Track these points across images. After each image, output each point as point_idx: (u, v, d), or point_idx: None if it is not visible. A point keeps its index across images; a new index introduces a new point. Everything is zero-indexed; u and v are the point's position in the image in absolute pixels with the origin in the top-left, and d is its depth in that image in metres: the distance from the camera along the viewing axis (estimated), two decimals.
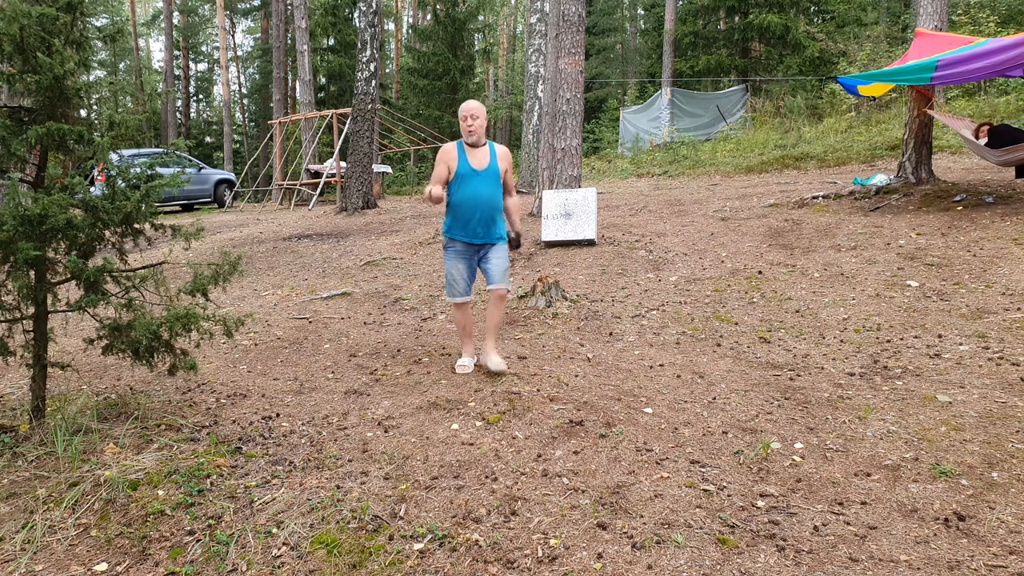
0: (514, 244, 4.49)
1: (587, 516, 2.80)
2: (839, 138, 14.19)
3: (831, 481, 3.04)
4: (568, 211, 8.17)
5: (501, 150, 4.33)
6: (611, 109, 25.51)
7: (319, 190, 16.28)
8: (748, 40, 21.75)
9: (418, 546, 2.64)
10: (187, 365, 3.73)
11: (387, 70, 33.16)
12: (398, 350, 5.12)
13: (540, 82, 13.73)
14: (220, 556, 2.61)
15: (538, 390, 4.15)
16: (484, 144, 4.28)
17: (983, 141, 7.93)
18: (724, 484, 3.04)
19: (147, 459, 3.28)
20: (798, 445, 3.39)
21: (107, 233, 3.59)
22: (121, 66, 39.73)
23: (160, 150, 13.34)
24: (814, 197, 9.13)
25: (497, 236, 4.31)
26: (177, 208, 17.80)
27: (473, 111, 4.16)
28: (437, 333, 5.58)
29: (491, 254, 4.29)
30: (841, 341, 4.85)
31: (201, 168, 17.83)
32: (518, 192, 15.22)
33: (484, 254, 4.31)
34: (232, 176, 19.65)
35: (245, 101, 39.74)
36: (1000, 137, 7.79)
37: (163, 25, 32.26)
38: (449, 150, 4.22)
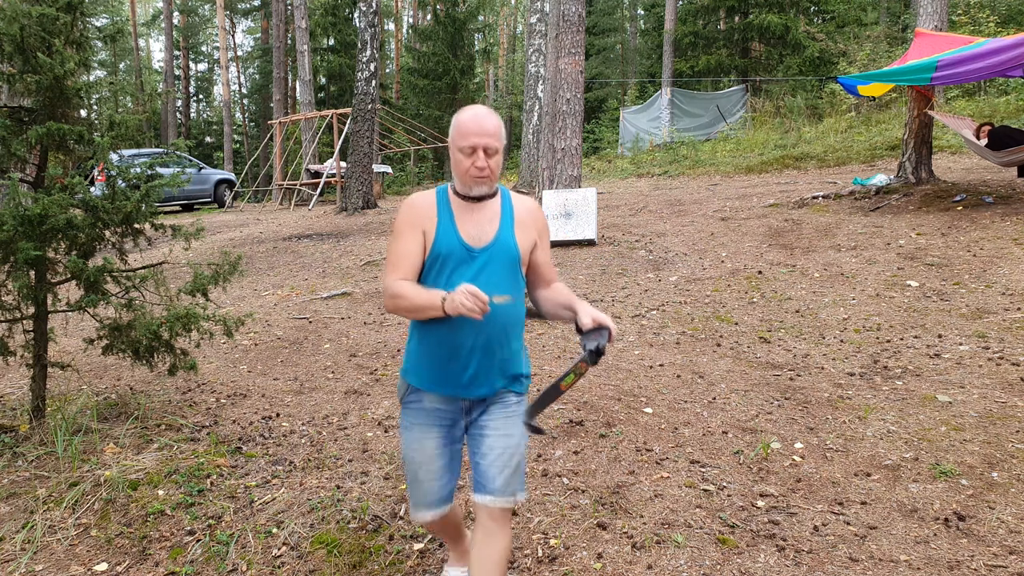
0: (593, 359, 1.92)
1: (587, 516, 2.80)
2: (839, 138, 14.19)
3: (831, 481, 3.04)
4: (568, 211, 8.17)
5: (524, 205, 2.11)
6: (611, 109, 25.51)
7: (319, 190, 16.28)
8: (748, 40, 21.76)
9: (418, 546, 2.65)
10: (187, 365, 3.73)
11: (387, 70, 33.16)
12: (398, 350, 5.12)
13: (540, 82, 13.74)
14: (220, 556, 2.61)
15: (538, 390, 4.15)
16: (494, 194, 2.08)
17: (984, 142, 7.92)
18: (724, 484, 3.04)
19: (147, 459, 3.28)
20: (798, 445, 3.39)
21: (107, 233, 3.59)
22: (121, 66, 39.73)
23: (160, 150, 13.34)
24: (814, 197, 9.13)
25: (510, 382, 2.08)
26: (177, 208, 17.80)
27: (489, 131, 1.92)
28: None
29: (490, 421, 2.05)
30: (841, 341, 4.85)
31: (201, 168, 17.83)
32: (518, 192, 15.10)
33: (477, 419, 2.07)
34: (232, 176, 19.65)
35: (245, 101, 39.74)
36: (1000, 140, 7.79)
37: (163, 25, 32.26)
38: (421, 205, 2.02)
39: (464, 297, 1.77)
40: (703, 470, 3.17)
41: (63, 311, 3.58)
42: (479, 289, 1.80)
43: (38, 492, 2.99)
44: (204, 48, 43.31)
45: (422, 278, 2.02)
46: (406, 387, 2.10)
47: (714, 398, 4.02)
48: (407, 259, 1.99)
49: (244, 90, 40.02)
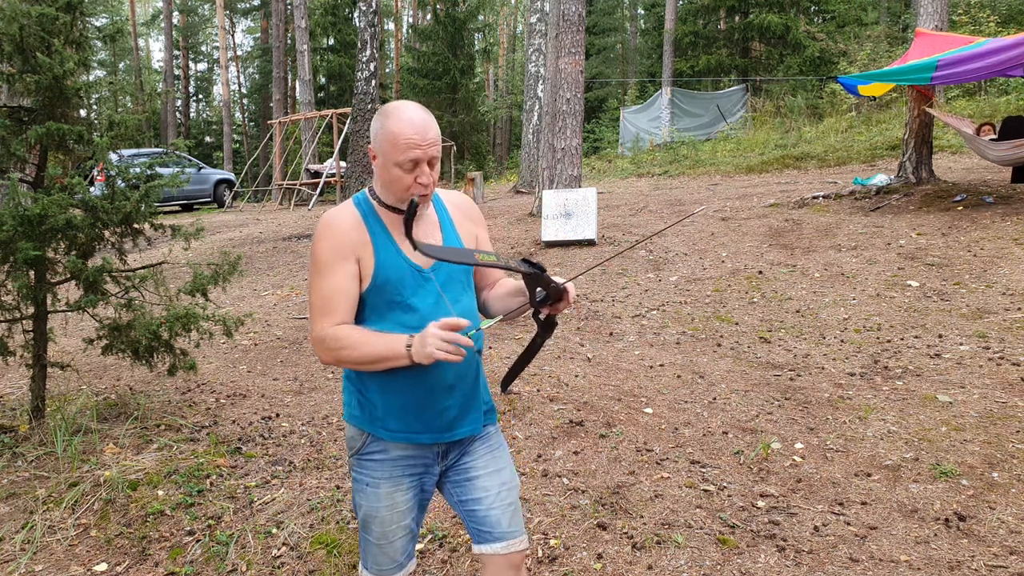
0: (549, 323, 1.70)
1: (587, 516, 2.80)
2: (839, 138, 14.18)
3: (831, 481, 3.03)
4: (568, 211, 8.17)
5: (454, 200, 1.82)
6: (611, 109, 25.50)
7: (319, 190, 16.28)
8: (748, 40, 21.75)
9: (418, 546, 2.64)
10: (187, 365, 3.73)
11: (387, 70, 33.16)
12: None
13: (540, 82, 13.73)
14: (220, 556, 2.61)
15: (538, 390, 4.15)
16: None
17: (988, 138, 7.91)
18: (724, 484, 3.04)
19: (147, 459, 3.28)
20: (798, 445, 3.38)
21: (107, 233, 3.59)
22: (121, 66, 39.72)
23: (160, 150, 13.33)
24: (814, 197, 9.13)
25: (489, 413, 1.83)
26: (177, 208, 17.79)
27: (432, 138, 1.58)
28: None
29: (475, 461, 1.78)
30: (841, 341, 4.84)
31: (201, 168, 17.82)
32: (518, 192, 15.14)
33: (456, 462, 1.79)
34: (232, 176, 19.64)
35: (245, 101, 39.74)
36: (1010, 130, 7.76)
37: (163, 25, 32.26)
38: (346, 227, 1.62)
39: (438, 342, 1.46)
40: (703, 470, 3.17)
41: (63, 311, 3.57)
42: (451, 321, 1.49)
43: (38, 492, 2.98)
44: (204, 48, 43.30)
45: (366, 316, 1.63)
46: (364, 438, 1.70)
47: (714, 398, 4.01)
48: (341, 299, 1.59)
49: (244, 90, 40.02)
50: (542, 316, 1.66)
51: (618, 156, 19.82)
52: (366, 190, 1.71)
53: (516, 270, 1.58)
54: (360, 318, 1.64)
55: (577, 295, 6.36)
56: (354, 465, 1.74)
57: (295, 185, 17.57)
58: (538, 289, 1.61)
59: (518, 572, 1.76)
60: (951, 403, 3.75)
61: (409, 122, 1.55)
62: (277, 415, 3.93)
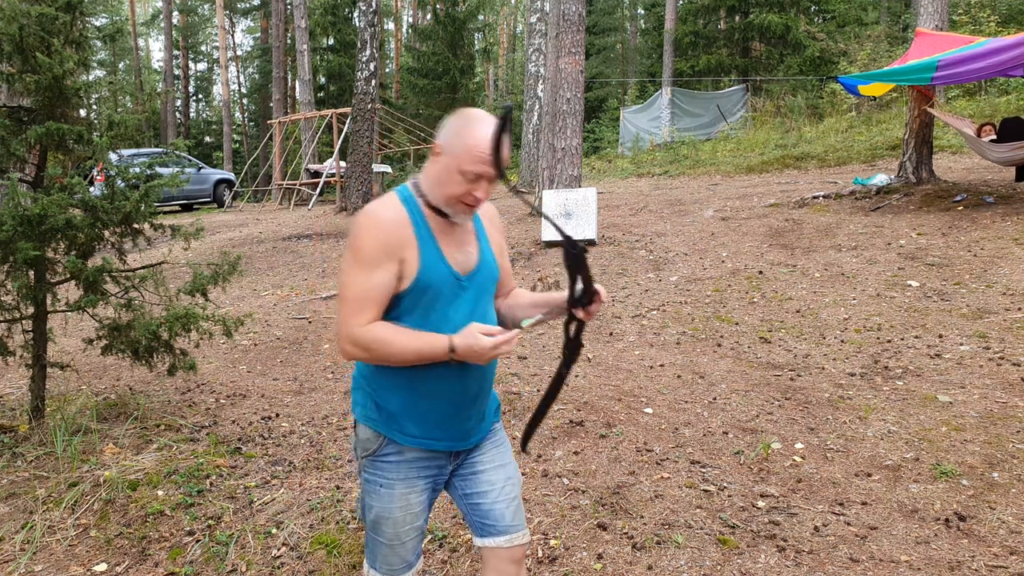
0: (581, 300, 1.65)
1: (587, 516, 2.80)
2: (839, 138, 14.18)
3: (832, 481, 3.03)
4: (568, 211, 8.16)
5: (485, 212, 1.79)
6: (611, 109, 25.50)
7: (319, 190, 16.27)
8: (748, 40, 21.74)
9: None
10: (186, 365, 3.73)
11: (387, 70, 33.16)
12: None
13: (540, 82, 13.73)
14: (220, 556, 2.60)
15: (538, 390, 4.15)
16: None
17: (989, 139, 7.91)
18: (724, 484, 3.03)
19: (147, 459, 3.27)
20: (799, 445, 3.38)
21: (106, 233, 3.58)
22: (121, 66, 39.71)
23: (159, 150, 13.33)
24: (815, 197, 9.12)
25: (494, 416, 1.86)
26: (176, 208, 17.79)
27: (505, 159, 1.55)
28: None
29: (482, 456, 1.80)
30: (842, 341, 4.84)
31: (200, 168, 17.82)
32: (517, 192, 15.07)
33: (465, 459, 1.79)
34: (231, 176, 19.64)
35: (245, 101, 39.73)
36: (1010, 131, 7.76)
37: (163, 25, 32.25)
38: (394, 225, 1.57)
39: (491, 340, 1.49)
40: (703, 470, 3.17)
41: (62, 311, 3.57)
42: (491, 328, 1.53)
43: (37, 492, 2.98)
44: (204, 48, 43.29)
45: (398, 316, 1.58)
46: (380, 441, 1.66)
47: (714, 398, 4.01)
48: (380, 298, 1.54)
49: (244, 90, 40.01)
50: (579, 316, 1.65)
51: (618, 156, 19.82)
52: (410, 185, 1.65)
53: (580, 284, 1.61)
54: (390, 316, 1.59)
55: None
56: (367, 466, 1.70)
57: (295, 185, 17.56)
58: (578, 287, 1.61)
59: (519, 567, 1.76)
60: (951, 403, 3.75)
61: (477, 119, 1.54)
62: (277, 415, 3.92)
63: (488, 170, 1.53)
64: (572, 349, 1.68)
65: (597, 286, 1.61)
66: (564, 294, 1.68)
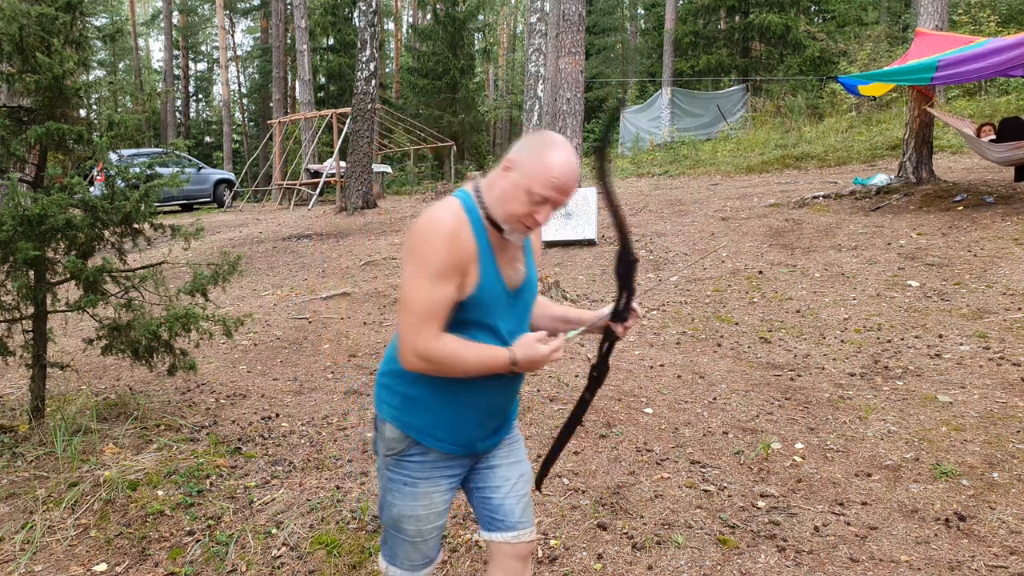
0: (622, 315, 1.72)
1: (587, 516, 2.80)
2: (839, 138, 14.17)
3: (832, 481, 3.03)
4: (568, 211, 8.16)
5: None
6: (611, 109, 25.48)
7: (319, 190, 16.27)
8: (748, 40, 21.74)
9: None
10: (186, 365, 3.72)
11: (387, 70, 33.15)
12: None
13: (540, 82, 13.72)
14: (220, 556, 2.60)
15: (538, 390, 4.15)
16: None
17: (988, 139, 7.91)
18: (724, 484, 3.03)
19: (147, 459, 3.27)
20: (799, 445, 3.38)
21: (106, 233, 3.58)
22: (121, 66, 39.71)
23: (159, 150, 13.33)
24: (815, 197, 9.12)
25: (514, 420, 1.91)
26: (176, 208, 17.79)
27: (571, 185, 1.54)
28: None
29: (497, 451, 1.83)
30: (842, 341, 4.84)
31: (200, 168, 17.81)
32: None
33: (486, 461, 1.82)
34: (231, 176, 19.63)
35: (245, 101, 39.73)
36: (1010, 131, 7.75)
37: (163, 25, 32.24)
38: (464, 239, 1.54)
39: (547, 350, 1.57)
40: (703, 470, 3.17)
41: (62, 311, 3.57)
42: (543, 336, 1.59)
43: (37, 492, 2.98)
44: (204, 48, 43.28)
45: (449, 326, 1.58)
46: (407, 442, 1.67)
47: (714, 398, 4.01)
48: (446, 310, 1.53)
49: (244, 90, 40.00)
50: (617, 332, 1.70)
51: (618, 156, 19.81)
52: (471, 192, 1.61)
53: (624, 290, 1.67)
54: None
55: (577, 295, 6.36)
56: (391, 465, 1.70)
57: (295, 185, 17.56)
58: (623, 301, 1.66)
59: (524, 564, 1.77)
60: (951, 403, 3.75)
61: (570, 167, 1.52)
62: (277, 415, 3.92)
63: (557, 197, 1.52)
64: (601, 372, 1.75)
65: (634, 304, 1.66)
66: (587, 313, 1.74)
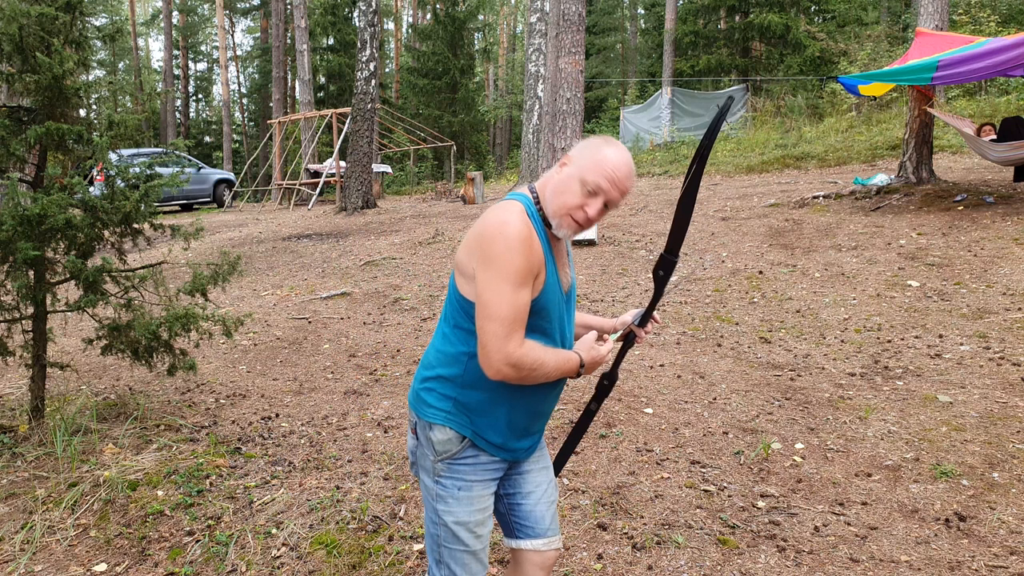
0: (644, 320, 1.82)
1: (587, 516, 2.80)
2: (840, 138, 14.17)
3: (832, 481, 3.03)
4: None
5: None
6: (611, 109, 25.51)
7: (319, 190, 16.27)
8: (749, 40, 21.74)
9: (418, 547, 2.64)
10: (186, 365, 3.72)
11: (387, 70, 33.14)
12: (398, 350, 5.11)
13: (540, 81, 13.73)
14: (219, 557, 2.60)
15: None
16: None
17: (989, 139, 7.91)
18: (725, 484, 3.03)
19: (146, 459, 3.27)
20: (799, 445, 3.38)
21: (106, 233, 3.58)
22: (120, 66, 39.72)
23: (159, 150, 13.31)
24: (815, 197, 9.12)
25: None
26: (176, 208, 17.79)
27: (629, 189, 1.59)
28: None
29: (529, 462, 1.82)
30: (842, 341, 4.84)
31: (200, 168, 17.81)
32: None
33: (517, 466, 1.82)
34: (231, 176, 19.62)
35: (244, 101, 39.73)
36: (1010, 131, 7.75)
37: (162, 25, 32.26)
38: (535, 244, 1.53)
39: (603, 350, 1.63)
40: (703, 470, 3.16)
41: (62, 311, 3.57)
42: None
43: (37, 492, 2.98)
44: (203, 48, 43.29)
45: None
46: (463, 443, 1.64)
47: (715, 398, 4.01)
48: (526, 315, 1.53)
49: (243, 90, 40.01)
50: (639, 336, 1.78)
51: None
52: (528, 193, 1.61)
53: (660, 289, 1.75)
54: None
55: (577, 295, 6.35)
56: (442, 472, 1.65)
57: (295, 185, 17.56)
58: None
59: (547, 575, 1.76)
60: (951, 403, 3.75)
61: (625, 164, 1.55)
62: (277, 415, 3.92)
63: (609, 188, 1.53)
64: (612, 380, 1.80)
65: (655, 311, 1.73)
66: (605, 320, 1.81)
